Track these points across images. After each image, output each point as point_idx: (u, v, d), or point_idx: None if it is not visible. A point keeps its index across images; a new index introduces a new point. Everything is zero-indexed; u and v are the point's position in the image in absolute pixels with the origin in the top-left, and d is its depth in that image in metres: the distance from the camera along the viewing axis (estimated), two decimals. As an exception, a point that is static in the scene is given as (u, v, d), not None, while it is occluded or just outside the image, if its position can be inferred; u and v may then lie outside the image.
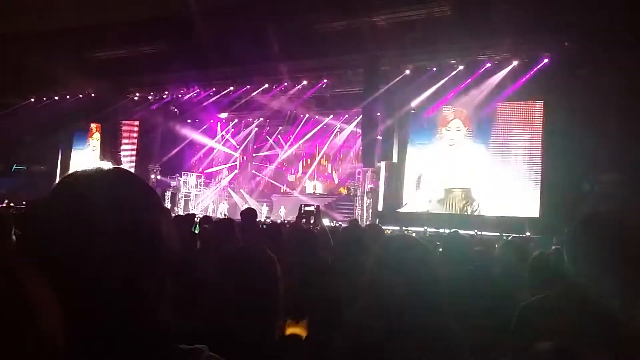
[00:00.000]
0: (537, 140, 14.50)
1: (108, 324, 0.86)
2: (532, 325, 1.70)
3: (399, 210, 15.98)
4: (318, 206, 13.55)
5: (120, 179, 0.97)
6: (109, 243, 0.87)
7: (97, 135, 22.74)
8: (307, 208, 13.26)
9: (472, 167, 15.26)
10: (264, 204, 22.23)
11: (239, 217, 5.79)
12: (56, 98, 22.07)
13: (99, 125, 22.52)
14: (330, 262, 3.67)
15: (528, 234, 12.02)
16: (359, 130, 18.87)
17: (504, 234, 10.95)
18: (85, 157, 22.68)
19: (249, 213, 5.73)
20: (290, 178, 24.82)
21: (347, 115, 20.99)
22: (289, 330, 2.15)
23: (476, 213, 15.05)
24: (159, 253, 0.94)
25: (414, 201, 16.04)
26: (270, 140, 24.47)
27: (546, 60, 14.06)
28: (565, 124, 13.04)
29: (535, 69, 14.21)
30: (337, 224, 14.51)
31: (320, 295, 2.65)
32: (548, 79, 13.85)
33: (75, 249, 0.86)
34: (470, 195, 15.20)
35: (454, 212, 15.23)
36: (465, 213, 15.16)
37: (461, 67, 15.29)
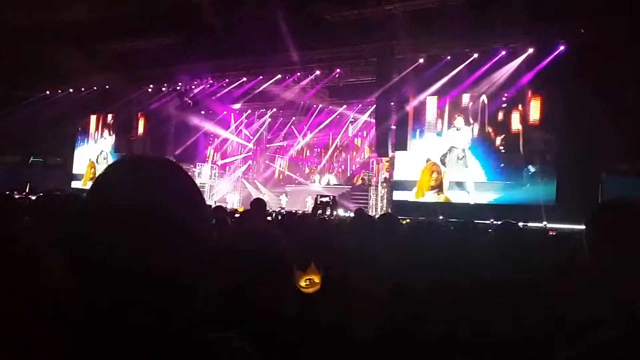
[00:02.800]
0: (552, 128, 14.34)
1: (143, 312, 0.86)
2: (572, 313, 1.67)
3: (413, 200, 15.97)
4: (334, 197, 13.47)
5: (171, 168, 0.97)
6: (162, 233, 0.87)
7: (111, 127, 23.00)
8: (323, 199, 13.19)
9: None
10: (283, 195, 22.27)
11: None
12: (71, 90, 22.27)
13: (113, 116, 22.77)
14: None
15: (545, 223, 11.93)
16: (373, 120, 18.83)
17: (521, 223, 10.86)
18: (100, 148, 22.91)
19: (258, 203, 5.77)
20: (304, 168, 24.83)
21: (360, 105, 20.91)
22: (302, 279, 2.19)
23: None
24: (200, 244, 0.94)
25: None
26: (284, 131, 24.49)
27: (562, 48, 13.87)
28: (581, 113, 12.89)
29: (550, 57, 14.01)
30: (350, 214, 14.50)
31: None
32: (563, 66, 13.66)
33: (123, 237, 0.85)
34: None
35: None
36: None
37: (475, 56, 15.13)
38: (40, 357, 0.74)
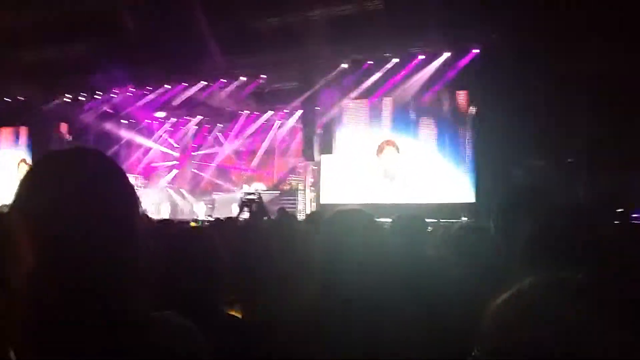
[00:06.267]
0: (469, 129, 15.03)
1: (82, 305, 0.88)
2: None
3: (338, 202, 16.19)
4: (260, 194, 13.21)
5: (97, 161, 0.98)
6: (86, 225, 0.88)
7: (24, 138, 21.81)
8: (248, 197, 12.90)
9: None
10: (203, 203, 21.89)
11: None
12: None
13: (27, 128, 21.60)
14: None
15: (464, 219, 12.46)
16: (300, 125, 18.98)
17: (441, 220, 11.26)
18: (15, 157, 21.68)
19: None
20: (232, 176, 24.57)
21: (287, 110, 20.98)
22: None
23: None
24: (133, 235, 0.96)
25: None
26: (210, 138, 24.15)
27: (476, 51, 14.60)
28: (495, 114, 13.62)
29: (465, 60, 14.73)
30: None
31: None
32: (477, 69, 14.40)
33: (52, 232, 0.87)
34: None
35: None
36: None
37: (396, 60, 15.62)
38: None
